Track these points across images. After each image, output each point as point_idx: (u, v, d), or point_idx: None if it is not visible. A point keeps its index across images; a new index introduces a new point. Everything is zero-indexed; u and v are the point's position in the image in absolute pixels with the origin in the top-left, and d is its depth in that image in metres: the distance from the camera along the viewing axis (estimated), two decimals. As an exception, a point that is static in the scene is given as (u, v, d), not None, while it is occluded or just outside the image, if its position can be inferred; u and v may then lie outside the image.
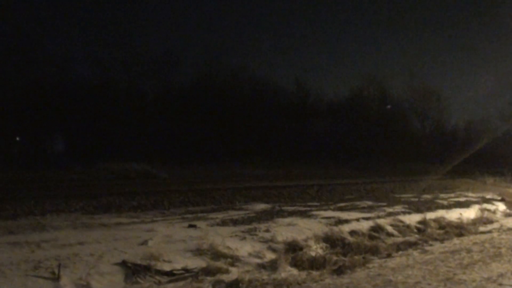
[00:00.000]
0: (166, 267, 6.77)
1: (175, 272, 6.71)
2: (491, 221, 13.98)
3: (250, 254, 7.89)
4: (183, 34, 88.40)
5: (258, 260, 7.73)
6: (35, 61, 45.14)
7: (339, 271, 7.55)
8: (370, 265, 8.05)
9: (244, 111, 51.23)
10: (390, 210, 13.56)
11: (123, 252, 7.11)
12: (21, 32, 45.18)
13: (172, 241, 8.05)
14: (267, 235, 8.89)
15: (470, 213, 14.52)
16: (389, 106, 67.21)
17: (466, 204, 16.12)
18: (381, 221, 11.44)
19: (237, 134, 49.25)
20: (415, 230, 11.61)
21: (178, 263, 6.98)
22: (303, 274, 7.25)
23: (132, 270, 6.53)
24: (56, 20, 72.76)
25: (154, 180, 27.08)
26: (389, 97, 68.81)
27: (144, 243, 7.79)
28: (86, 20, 79.02)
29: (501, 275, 7.23)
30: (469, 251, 9.14)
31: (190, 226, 9.68)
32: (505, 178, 30.68)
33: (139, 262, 6.75)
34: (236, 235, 8.81)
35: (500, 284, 6.81)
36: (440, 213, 13.67)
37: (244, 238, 8.62)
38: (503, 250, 9.11)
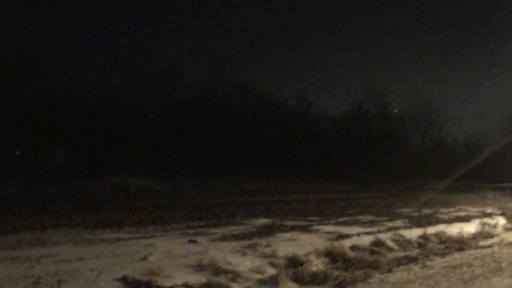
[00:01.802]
0: (167, 283, 6.74)
1: (175, 288, 6.69)
2: (491, 236, 13.98)
3: (251, 270, 7.85)
4: (185, 49, 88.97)
5: (259, 276, 7.69)
6: (36, 75, 45.22)
7: (340, 286, 7.54)
8: (371, 280, 8.03)
9: (245, 126, 51.32)
10: (391, 224, 13.54)
11: (123, 268, 7.09)
12: (22, 46, 45.29)
13: (172, 257, 8.03)
14: (268, 250, 8.86)
15: (470, 228, 14.51)
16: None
17: (466, 219, 16.09)
18: (382, 236, 11.42)
19: (238, 149, 49.27)
20: (416, 245, 11.59)
21: (179, 279, 6.95)
22: (304, 290, 7.24)
23: (133, 285, 6.50)
24: (57, 33, 73.06)
25: (155, 194, 27.12)
26: (390, 112, 69.02)
27: (145, 258, 7.77)
28: (88, 33, 79.46)
29: (502, 290, 7.22)
30: (470, 265, 9.12)
31: (191, 241, 9.66)
32: (505, 192, 30.81)
33: (139, 277, 6.72)
34: (237, 250, 8.78)
35: (502, 299, 6.81)
36: (441, 227, 13.64)
37: (245, 254, 8.59)
38: (504, 265, 9.09)
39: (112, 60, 49.72)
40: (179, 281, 6.89)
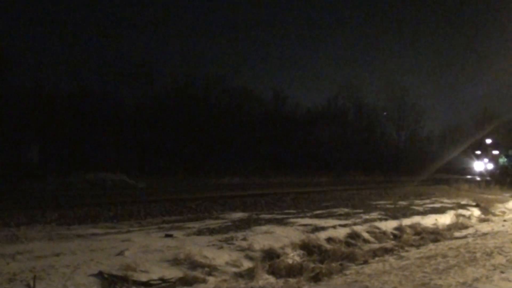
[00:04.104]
0: (143, 278, 6.72)
1: (152, 282, 6.66)
2: (466, 227, 14.17)
3: (227, 263, 7.86)
4: (160, 44, 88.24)
5: (235, 269, 7.71)
6: (8, 70, 44.62)
7: (316, 278, 7.57)
8: (347, 272, 8.09)
9: (221, 120, 51.15)
10: (366, 217, 13.64)
11: (99, 263, 7.05)
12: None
13: (148, 251, 8.00)
14: (244, 244, 8.87)
15: (445, 219, 14.68)
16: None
17: (441, 210, 16.29)
18: (357, 228, 11.50)
19: (214, 144, 49.14)
20: (391, 236, 11.71)
21: (155, 274, 6.93)
22: (280, 282, 7.27)
23: (109, 281, 6.47)
24: (31, 28, 72.16)
25: (131, 190, 26.92)
26: (365, 106, 69.37)
27: (121, 253, 7.73)
28: (61, 28, 78.61)
29: (476, 280, 7.29)
30: (444, 256, 9.21)
31: (167, 235, 9.64)
32: (479, 184, 31.24)
33: (115, 273, 6.69)
34: (213, 244, 8.78)
35: (475, 289, 6.88)
36: (416, 219, 13.79)
37: (221, 247, 8.59)
38: (478, 255, 9.19)
39: (85, 55, 49.32)
40: (155, 276, 6.88)
